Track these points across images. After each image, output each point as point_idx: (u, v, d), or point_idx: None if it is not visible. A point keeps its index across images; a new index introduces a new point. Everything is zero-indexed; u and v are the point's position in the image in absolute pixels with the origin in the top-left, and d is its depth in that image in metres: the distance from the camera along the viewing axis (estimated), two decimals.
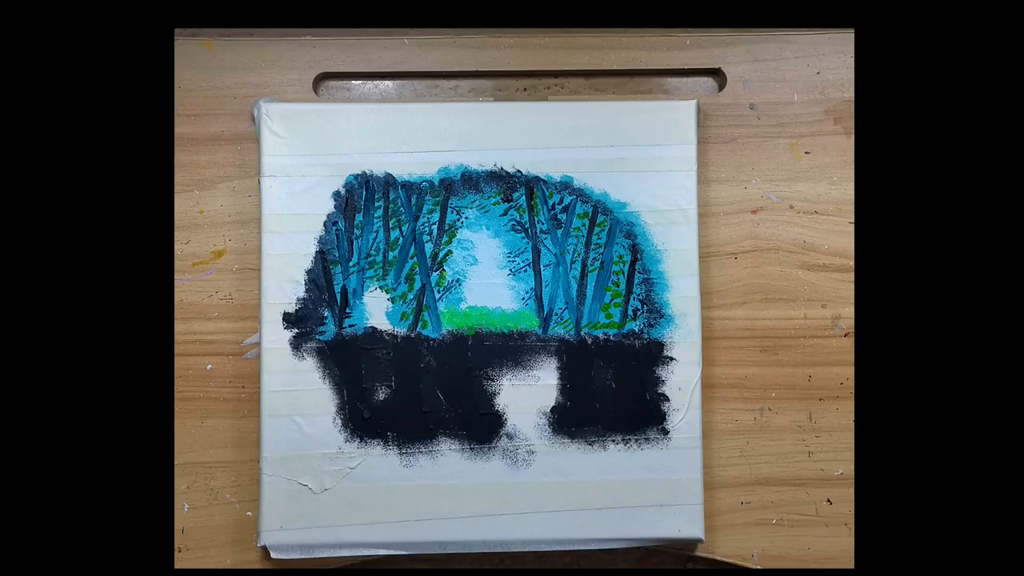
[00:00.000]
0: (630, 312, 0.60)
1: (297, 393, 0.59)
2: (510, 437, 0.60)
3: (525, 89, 0.64)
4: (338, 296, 0.60)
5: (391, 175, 0.61)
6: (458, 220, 0.61)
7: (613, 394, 0.60)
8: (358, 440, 0.59)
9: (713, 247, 0.62)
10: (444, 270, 0.60)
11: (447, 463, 0.59)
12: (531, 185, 0.61)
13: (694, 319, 0.60)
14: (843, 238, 0.62)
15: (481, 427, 0.60)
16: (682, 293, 0.60)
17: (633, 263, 0.60)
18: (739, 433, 0.61)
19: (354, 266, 0.60)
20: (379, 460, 0.59)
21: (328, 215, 0.60)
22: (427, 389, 0.60)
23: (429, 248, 0.60)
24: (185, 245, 0.61)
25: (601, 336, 0.60)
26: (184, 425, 0.61)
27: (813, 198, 0.62)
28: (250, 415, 0.60)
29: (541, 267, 0.60)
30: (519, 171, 0.61)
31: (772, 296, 0.62)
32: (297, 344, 0.60)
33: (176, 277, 0.61)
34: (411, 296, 0.60)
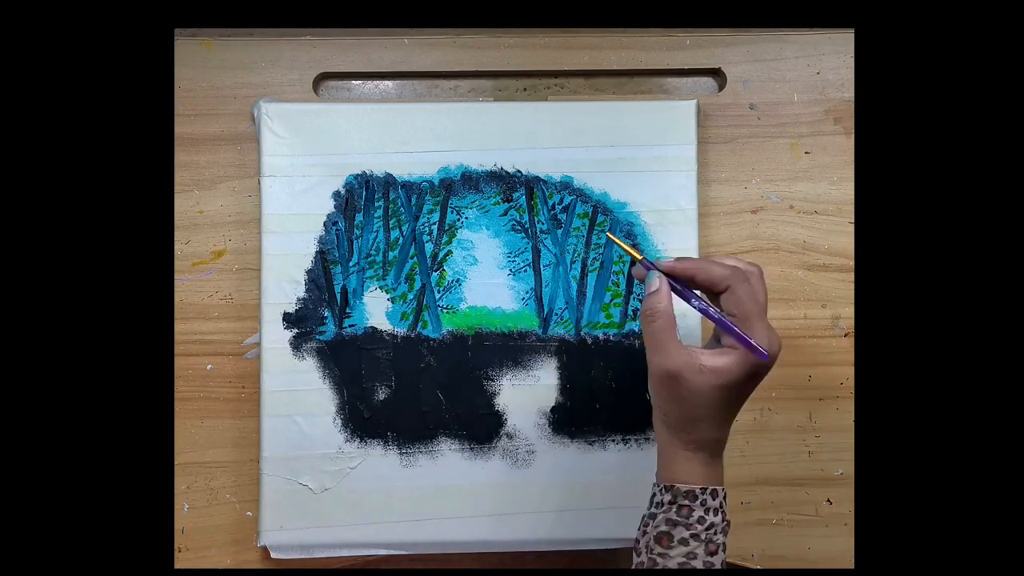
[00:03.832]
0: (630, 312, 0.60)
1: (297, 393, 0.59)
2: (510, 437, 0.60)
3: (525, 89, 0.64)
4: (338, 296, 0.60)
5: (391, 175, 0.61)
6: (458, 220, 0.61)
7: (613, 394, 0.60)
8: (358, 440, 0.59)
9: (713, 247, 0.62)
10: (444, 270, 0.60)
11: (447, 463, 0.59)
12: (531, 185, 0.61)
13: (694, 319, 0.60)
14: (843, 238, 0.62)
15: (481, 427, 0.60)
16: None
17: (633, 263, 0.60)
18: (739, 433, 0.61)
19: (354, 266, 0.60)
20: (379, 460, 0.59)
21: (328, 215, 0.60)
22: (427, 389, 0.60)
23: (429, 248, 0.60)
24: (185, 245, 0.61)
25: (601, 336, 0.60)
26: (184, 425, 0.61)
27: (813, 198, 0.62)
28: (250, 415, 0.60)
29: (541, 267, 0.60)
30: (519, 171, 0.61)
31: (772, 296, 0.61)
32: (297, 344, 0.60)
33: (176, 277, 0.61)
34: (411, 296, 0.60)
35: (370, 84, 0.64)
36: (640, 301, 0.59)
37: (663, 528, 0.48)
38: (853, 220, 0.62)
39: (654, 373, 0.49)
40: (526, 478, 0.59)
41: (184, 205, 0.62)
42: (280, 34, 0.63)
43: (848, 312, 0.62)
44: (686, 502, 0.48)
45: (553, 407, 0.60)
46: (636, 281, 0.60)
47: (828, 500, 0.61)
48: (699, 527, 0.48)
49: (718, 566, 0.47)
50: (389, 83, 0.64)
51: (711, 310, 0.49)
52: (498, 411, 0.60)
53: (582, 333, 0.60)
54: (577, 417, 0.60)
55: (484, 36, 0.63)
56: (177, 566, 0.60)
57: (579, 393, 0.60)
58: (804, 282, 0.62)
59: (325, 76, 0.63)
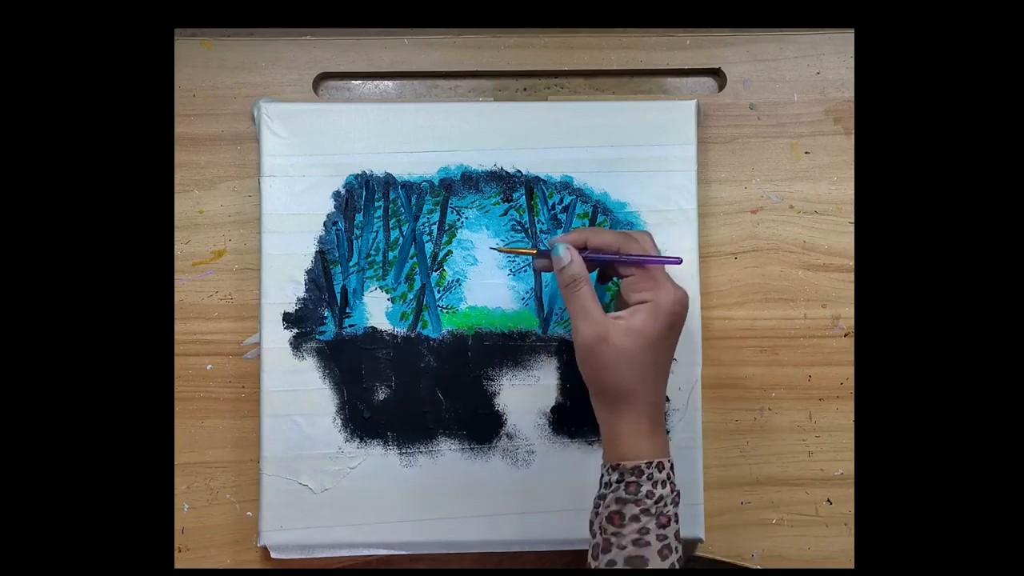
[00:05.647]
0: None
1: (297, 393, 0.59)
2: (510, 437, 0.60)
3: (525, 89, 0.64)
4: (338, 296, 0.60)
5: (391, 175, 0.61)
6: (458, 220, 0.61)
7: None
8: (358, 440, 0.59)
9: (713, 247, 0.62)
10: (444, 270, 0.60)
11: (447, 463, 0.59)
12: (531, 185, 0.61)
13: (694, 319, 0.60)
14: (843, 238, 0.62)
15: (481, 427, 0.60)
16: None
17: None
18: (739, 433, 0.61)
19: (354, 266, 0.60)
20: (379, 460, 0.59)
21: (328, 215, 0.60)
22: (427, 389, 0.60)
23: (429, 248, 0.60)
24: (185, 245, 0.61)
25: None
26: (184, 425, 0.61)
27: (813, 198, 0.62)
28: (250, 415, 0.60)
29: None
30: (519, 171, 0.61)
31: (772, 296, 0.62)
32: (297, 344, 0.60)
33: (176, 277, 0.61)
34: (411, 296, 0.60)
35: (370, 84, 0.64)
36: None
37: (613, 507, 0.49)
38: (853, 220, 0.62)
39: (583, 342, 0.50)
40: (526, 478, 0.59)
41: (184, 205, 0.62)
42: (280, 34, 0.63)
43: (848, 312, 0.62)
44: (633, 478, 0.49)
45: (553, 407, 0.60)
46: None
47: (828, 500, 0.61)
48: (648, 501, 0.49)
49: (671, 538, 0.49)
50: (389, 83, 0.64)
51: (614, 256, 0.52)
52: (498, 411, 0.60)
53: None
54: (577, 417, 0.60)
55: (484, 36, 0.63)
56: (177, 566, 0.60)
57: (579, 393, 0.60)
58: (804, 282, 0.62)
59: (325, 76, 0.63)
